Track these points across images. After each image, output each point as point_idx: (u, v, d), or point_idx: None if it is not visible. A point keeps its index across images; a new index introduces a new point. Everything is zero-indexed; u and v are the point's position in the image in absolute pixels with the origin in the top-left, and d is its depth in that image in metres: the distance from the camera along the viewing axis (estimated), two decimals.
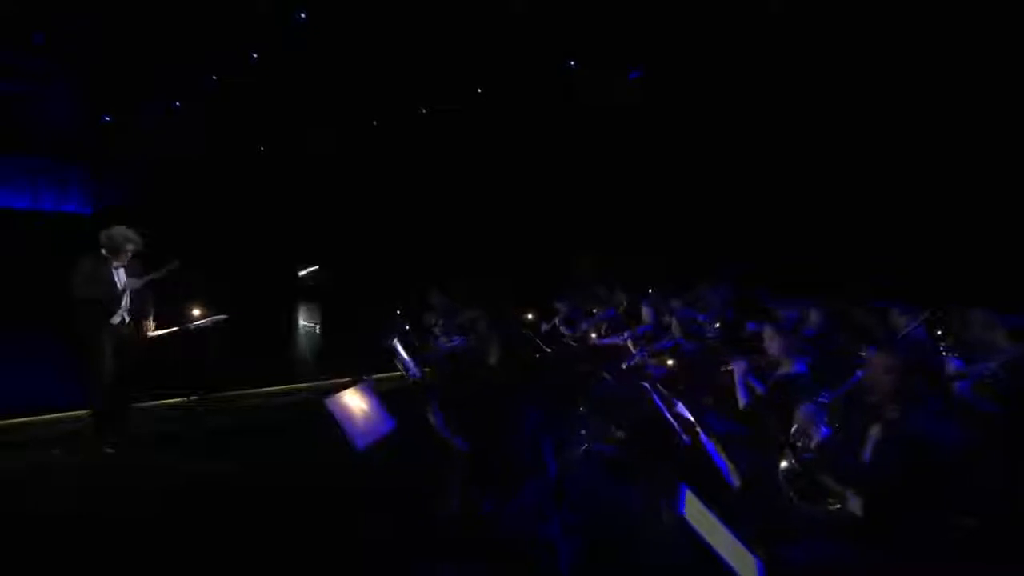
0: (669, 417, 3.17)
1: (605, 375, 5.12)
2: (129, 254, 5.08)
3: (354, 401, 2.94)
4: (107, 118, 13.97)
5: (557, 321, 7.28)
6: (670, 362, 4.86)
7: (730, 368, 4.11)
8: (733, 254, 9.43)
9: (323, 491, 3.87)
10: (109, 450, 4.92)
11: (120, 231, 5.03)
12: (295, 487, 4.12)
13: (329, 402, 2.82)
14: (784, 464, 2.75)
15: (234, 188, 14.21)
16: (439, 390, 3.45)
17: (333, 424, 2.82)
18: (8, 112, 13.19)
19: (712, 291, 7.30)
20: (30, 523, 3.76)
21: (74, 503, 4.11)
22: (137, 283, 5.07)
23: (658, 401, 3.31)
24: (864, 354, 4.74)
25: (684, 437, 3.03)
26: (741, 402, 3.84)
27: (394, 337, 5.14)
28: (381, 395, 3.23)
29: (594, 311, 8.01)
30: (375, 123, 13.25)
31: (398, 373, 7.50)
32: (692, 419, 3.08)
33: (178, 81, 12.66)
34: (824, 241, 8.37)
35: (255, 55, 11.47)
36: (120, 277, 5.08)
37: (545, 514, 2.81)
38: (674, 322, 5.00)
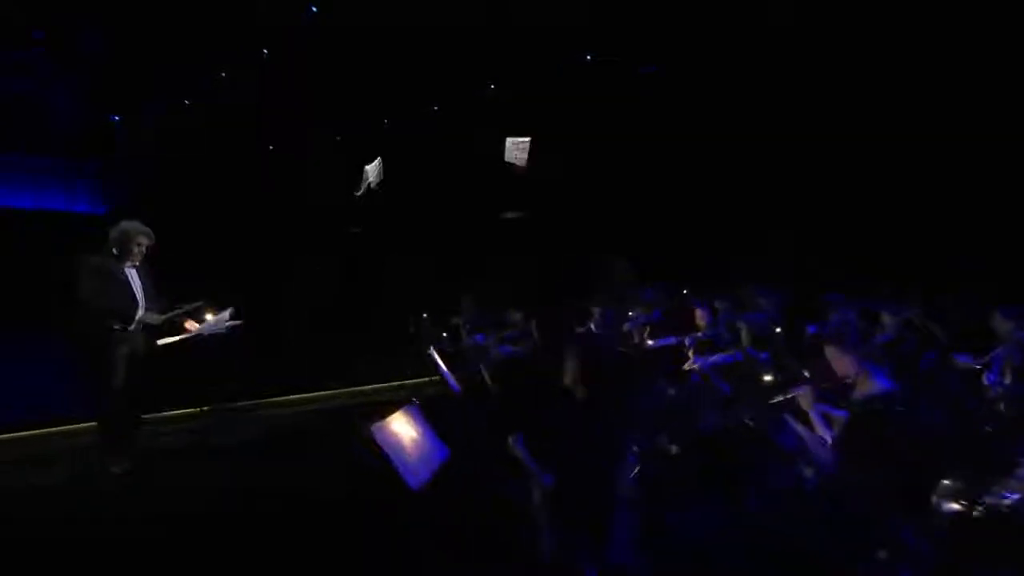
0: (813, 449, 2.63)
1: (660, 382, 4.62)
2: (142, 253, 4.62)
3: (402, 429, 2.47)
4: (115, 118, 13.64)
5: (593, 325, 6.79)
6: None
7: (788, 396, 3.46)
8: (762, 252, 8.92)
9: (364, 528, 3.33)
10: (116, 470, 4.48)
11: (131, 226, 4.55)
12: (326, 521, 3.63)
13: (375, 432, 2.35)
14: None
15: (249, 186, 13.81)
16: (506, 412, 2.97)
17: (380, 456, 2.34)
18: (16, 111, 12.87)
19: (764, 291, 6.78)
20: (27, 551, 3.33)
21: (73, 530, 3.68)
22: (155, 319, 4.63)
23: (800, 432, 2.77)
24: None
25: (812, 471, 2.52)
26: (823, 435, 3.14)
27: (430, 344, 4.68)
28: (428, 416, 2.76)
29: (630, 313, 7.59)
30: (385, 121, 12.79)
31: (427, 379, 7.15)
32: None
33: (189, 78, 12.22)
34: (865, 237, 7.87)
35: (265, 51, 11.02)
36: (133, 279, 4.62)
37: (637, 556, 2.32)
38: (744, 330, 4.43)
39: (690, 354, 5.08)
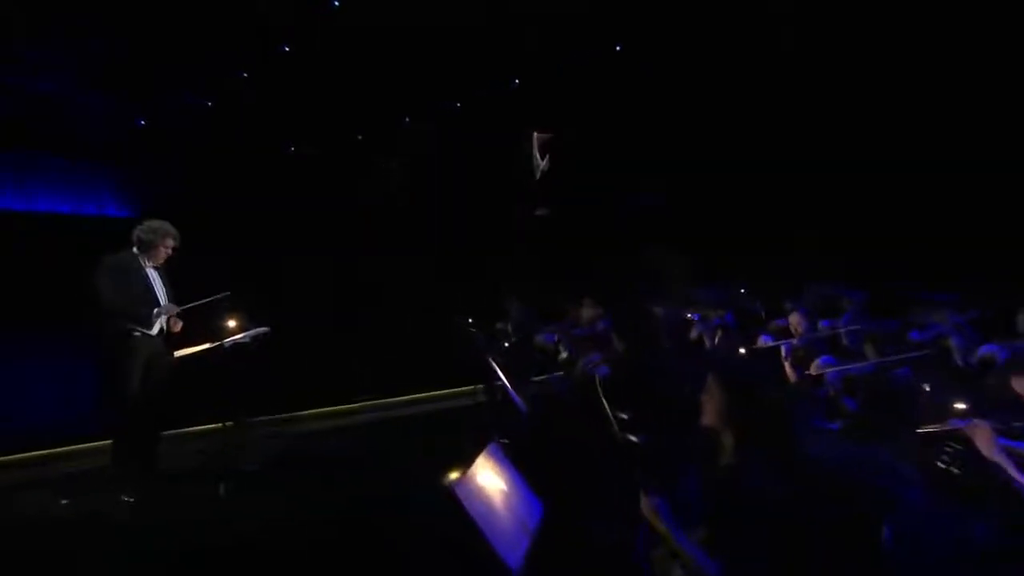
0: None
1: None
2: (167, 254, 4.14)
3: (489, 481, 1.82)
4: (142, 121, 13.50)
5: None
6: None
7: (945, 427, 2.68)
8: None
9: None
10: (127, 499, 3.90)
11: (161, 225, 4.16)
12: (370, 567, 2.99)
13: (458, 490, 1.68)
14: None
15: (280, 188, 13.39)
16: (626, 456, 2.31)
17: (464, 521, 1.67)
18: (45, 114, 12.69)
19: (847, 291, 6.01)
20: None
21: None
22: (173, 309, 4.18)
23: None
24: None
25: None
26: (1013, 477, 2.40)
27: (485, 352, 4.03)
28: (512, 458, 2.09)
29: (689, 315, 6.93)
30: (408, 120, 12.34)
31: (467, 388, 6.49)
32: None
33: (213, 78, 11.90)
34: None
35: (286, 47, 10.65)
36: (156, 281, 4.14)
37: None
38: (868, 344, 3.63)
39: (786, 364, 4.35)
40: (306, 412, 6.07)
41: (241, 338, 4.39)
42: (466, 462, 1.85)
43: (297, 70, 10.61)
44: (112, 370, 4.03)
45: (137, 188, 14.99)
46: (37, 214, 12.38)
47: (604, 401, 2.50)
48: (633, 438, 2.38)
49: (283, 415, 5.86)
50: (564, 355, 4.36)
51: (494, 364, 3.50)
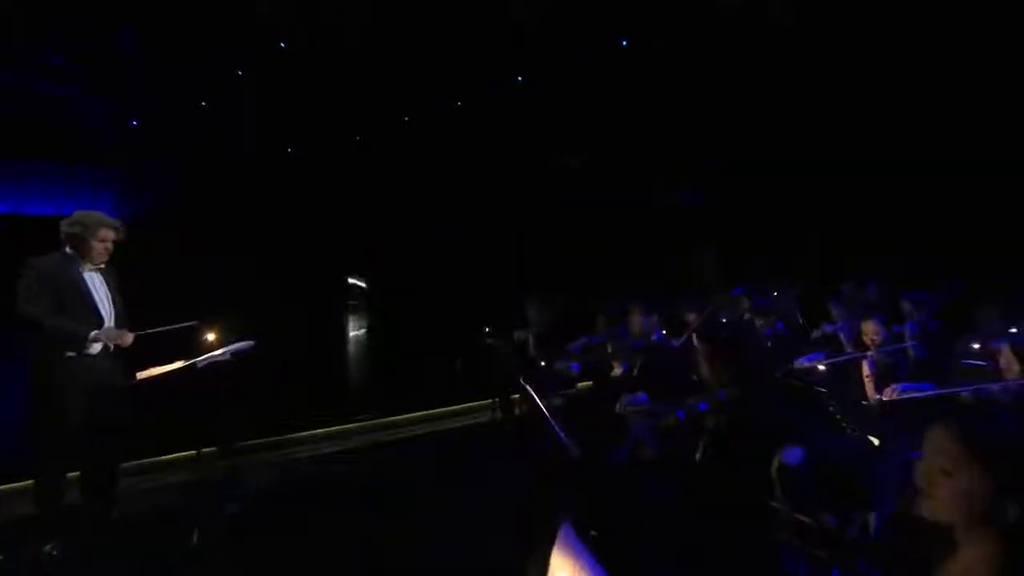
0: None
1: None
2: (108, 251, 3.39)
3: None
4: (134, 122, 13.18)
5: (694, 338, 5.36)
6: None
7: None
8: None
9: None
10: (51, 551, 3.16)
11: (86, 216, 3.35)
12: None
13: None
14: None
15: (274, 192, 12.83)
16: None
17: None
18: (36, 115, 12.22)
19: (912, 294, 5.29)
20: None
21: None
22: (118, 335, 3.38)
23: None
24: None
25: None
26: None
27: (508, 366, 3.33)
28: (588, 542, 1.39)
29: (723, 320, 6.26)
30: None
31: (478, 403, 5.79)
32: None
33: (208, 80, 11.52)
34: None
35: (283, 43, 10.17)
36: (96, 287, 3.39)
37: None
38: (1005, 352, 2.88)
39: (867, 381, 3.63)
40: (301, 434, 5.33)
41: (220, 355, 3.69)
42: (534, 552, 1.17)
43: (292, 71, 10.45)
44: (37, 399, 3.24)
45: (131, 192, 14.48)
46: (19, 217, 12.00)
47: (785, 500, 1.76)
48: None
49: (274, 438, 5.12)
50: (617, 371, 3.58)
51: (529, 389, 2.77)
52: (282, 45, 10.58)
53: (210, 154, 12.43)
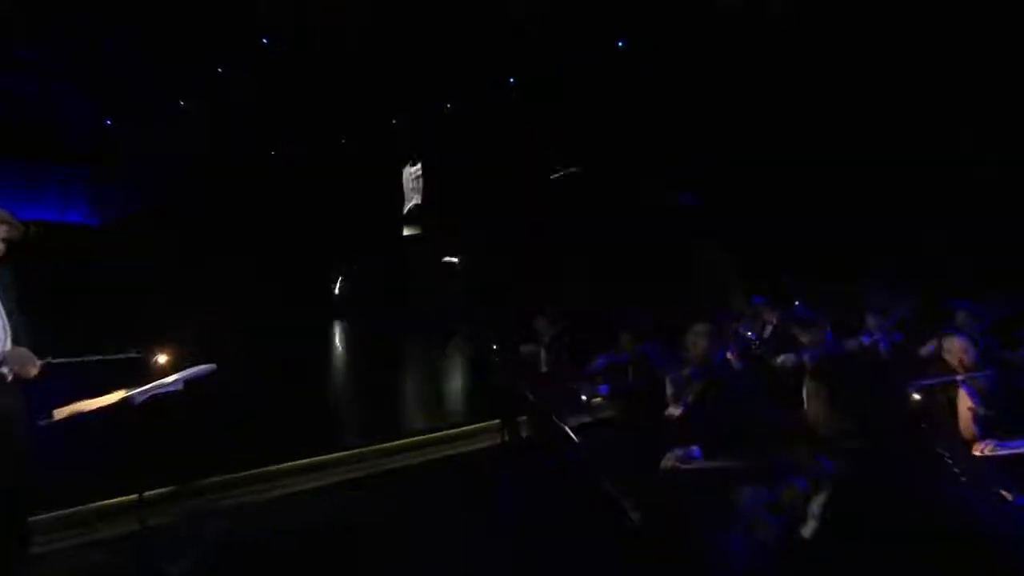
0: None
1: None
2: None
3: None
4: (108, 122, 12.79)
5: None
6: None
7: None
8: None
9: None
10: None
11: None
12: None
13: None
14: None
15: (251, 194, 12.49)
16: None
17: None
18: (11, 114, 11.83)
19: (964, 304, 4.69)
20: None
21: None
22: (25, 359, 2.65)
23: None
24: None
25: None
26: None
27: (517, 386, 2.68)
28: None
29: (739, 329, 5.64)
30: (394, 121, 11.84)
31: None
32: None
33: (185, 81, 11.47)
34: None
35: (265, 40, 10.27)
36: None
37: None
38: None
39: (967, 412, 2.98)
40: (274, 467, 4.57)
41: (170, 384, 2.98)
42: None
43: (283, 72, 10.33)
44: None
45: (106, 194, 13.84)
46: None
47: None
48: None
49: (241, 473, 4.37)
50: (675, 411, 2.80)
51: (568, 430, 2.11)
52: (264, 41, 10.32)
53: (186, 156, 11.97)
